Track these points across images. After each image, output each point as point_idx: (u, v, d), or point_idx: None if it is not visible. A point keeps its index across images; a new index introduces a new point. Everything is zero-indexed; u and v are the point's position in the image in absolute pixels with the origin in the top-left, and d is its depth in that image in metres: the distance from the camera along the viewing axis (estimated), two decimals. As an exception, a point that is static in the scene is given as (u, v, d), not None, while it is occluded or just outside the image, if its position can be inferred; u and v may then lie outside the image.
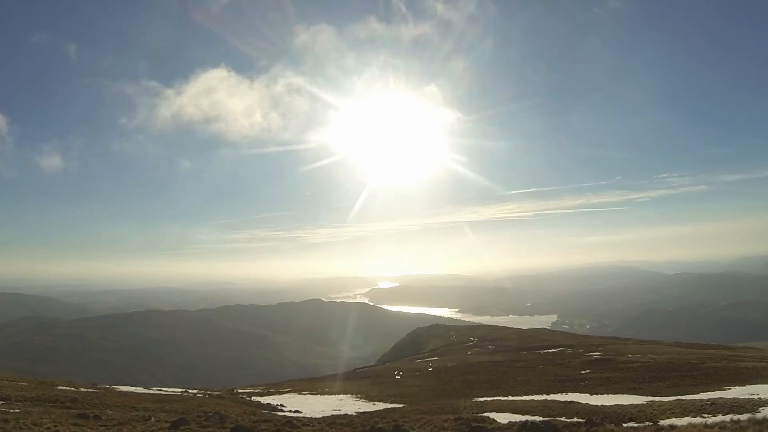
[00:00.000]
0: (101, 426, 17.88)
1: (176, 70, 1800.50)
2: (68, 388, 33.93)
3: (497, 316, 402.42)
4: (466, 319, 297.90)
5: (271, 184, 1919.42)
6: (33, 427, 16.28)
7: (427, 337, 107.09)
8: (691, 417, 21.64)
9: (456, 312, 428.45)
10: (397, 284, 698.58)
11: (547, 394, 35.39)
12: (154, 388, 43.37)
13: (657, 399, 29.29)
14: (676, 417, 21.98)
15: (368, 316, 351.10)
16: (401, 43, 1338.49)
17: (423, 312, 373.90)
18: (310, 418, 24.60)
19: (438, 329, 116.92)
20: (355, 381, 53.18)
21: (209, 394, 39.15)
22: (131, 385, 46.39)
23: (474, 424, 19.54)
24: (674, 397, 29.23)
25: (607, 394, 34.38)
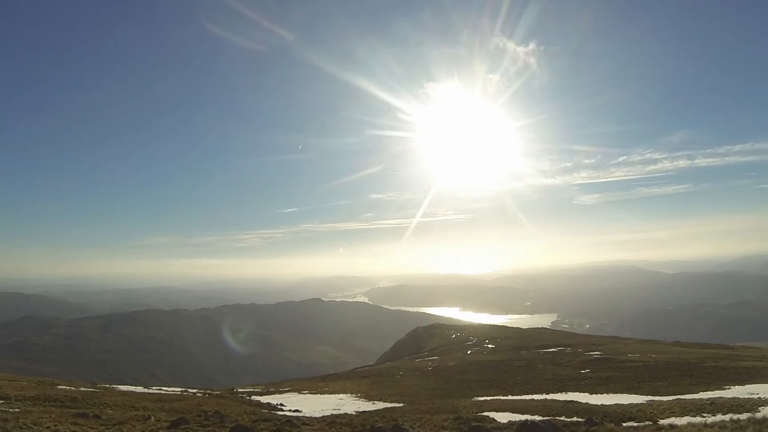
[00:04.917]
0: (101, 425, 17.88)
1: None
2: (68, 387, 33.92)
3: (497, 315, 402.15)
4: (466, 319, 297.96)
5: (272, 185, 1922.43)
6: (33, 426, 16.27)
7: (427, 337, 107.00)
8: (691, 416, 21.64)
9: (456, 311, 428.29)
10: (397, 284, 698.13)
11: (547, 394, 35.39)
12: (154, 388, 43.38)
13: (657, 398, 29.32)
14: (676, 416, 21.97)
15: (368, 315, 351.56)
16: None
17: (423, 311, 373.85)
18: (310, 417, 24.58)
19: (438, 329, 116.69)
20: (355, 380, 53.20)
21: (209, 394, 39.13)
22: (131, 385, 46.46)
23: (474, 424, 19.53)
24: (674, 397, 29.27)
25: (607, 393, 34.39)
